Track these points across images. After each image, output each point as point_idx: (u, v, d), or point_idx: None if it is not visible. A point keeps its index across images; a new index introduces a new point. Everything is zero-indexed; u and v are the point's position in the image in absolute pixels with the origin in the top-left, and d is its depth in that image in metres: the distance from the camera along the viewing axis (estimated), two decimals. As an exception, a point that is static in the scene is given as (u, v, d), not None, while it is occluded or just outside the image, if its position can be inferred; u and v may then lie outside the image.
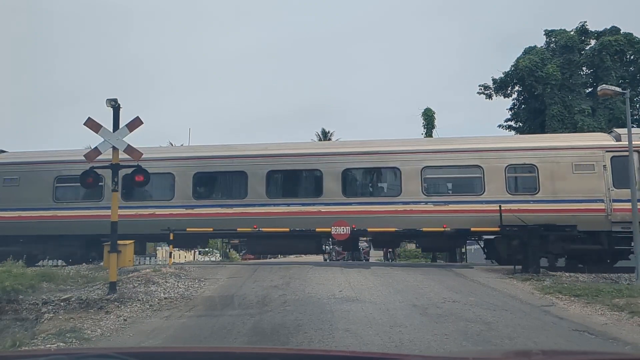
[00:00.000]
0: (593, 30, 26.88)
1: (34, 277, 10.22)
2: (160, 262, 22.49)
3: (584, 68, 26.49)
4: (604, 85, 14.40)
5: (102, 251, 16.04)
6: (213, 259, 35.84)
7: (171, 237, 14.45)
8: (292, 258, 24.93)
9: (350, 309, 8.23)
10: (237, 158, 15.56)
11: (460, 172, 14.89)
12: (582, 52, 26.35)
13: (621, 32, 25.95)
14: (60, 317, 8.31)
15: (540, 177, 14.28)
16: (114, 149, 10.27)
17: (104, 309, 8.67)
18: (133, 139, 10.51)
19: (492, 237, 14.74)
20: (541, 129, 24.88)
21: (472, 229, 14.27)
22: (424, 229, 14.31)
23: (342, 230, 14.43)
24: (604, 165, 13.90)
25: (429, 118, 29.41)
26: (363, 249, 25.93)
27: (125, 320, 8.13)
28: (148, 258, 22.02)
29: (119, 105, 10.39)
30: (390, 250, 28.22)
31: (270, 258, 27.52)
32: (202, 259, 35.07)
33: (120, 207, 15.07)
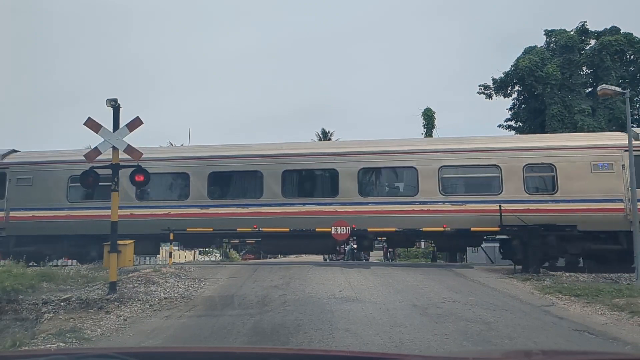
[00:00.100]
0: (593, 30, 26.89)
1: (34, 277, 10.22)
2: (160, 262, 22.45)
3: (584, 68, 26.50)
4: (604, 85, 14.38)
5: None
6: (213, 259, 35.82)
7: (171, 237, 14.47)
8: (292, 258, 24.92)
9: (350, 308, 8.24)
10: (252, 157, 15.54)
11: (477, 172, 14.84)
12: (582, 52, 26.35)
13: (621, 32, 25.96)
14: (60, 317, 8.31)
15: (559, 176, 14.20)
16: (114, 149, 10.27)
17: (104, 309, 8.67)
18: (133, 139, 10.53)
19: (509, 237, 14.54)
20: (541, 129, 24.88)
21: (490, 229, 14.23)
22: (442, 229, 14.24)
23: (342, 230, 14.43)
24: (622, 165, 13.76)
25: (429, 118, 29.42)
26: (353, 249, 25.88)
27: (125, 320, 8.13)
28: (148, 258, 21.96)
29: (119, 105, 10.39)
30: (390, 250, 28.20)
31: (270, 258, 27.51)
32: (202, 259, 35.05)
33: (135, 207, 15.35)
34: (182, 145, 27.78)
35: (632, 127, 13.23)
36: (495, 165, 14.58)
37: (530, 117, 26.77)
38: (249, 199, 15.33)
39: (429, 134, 28.69)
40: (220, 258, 34.86)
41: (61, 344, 6.68)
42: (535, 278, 11.84)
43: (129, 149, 10.25)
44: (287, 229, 14.65)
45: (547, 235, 13.64)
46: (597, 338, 6.80)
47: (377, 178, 15.65)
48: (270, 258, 27.24)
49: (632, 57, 26.24)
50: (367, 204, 14.85)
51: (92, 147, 10.91)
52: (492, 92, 27.72)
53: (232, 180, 15.97)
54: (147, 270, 12.09)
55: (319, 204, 15.03)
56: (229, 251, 32.64)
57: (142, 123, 10.40)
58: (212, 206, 15.28)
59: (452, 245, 16.34)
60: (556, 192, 14.16)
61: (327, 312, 7.96)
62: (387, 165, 15.30)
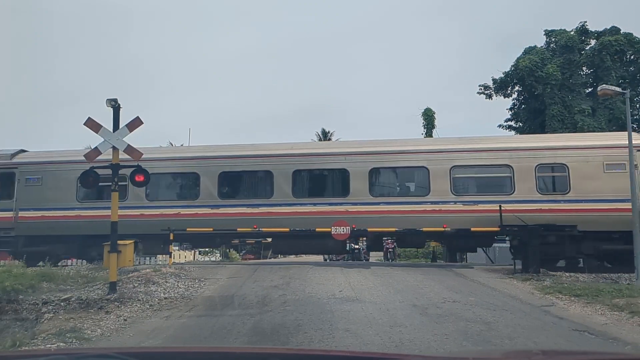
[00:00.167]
0: (593, 30, 26.90)
1: (34, 277, 10.22)
2: (160, 262, 22.45)
3: (584, 68, 26.51)
4: (604, 85, 14.37)
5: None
6: (213, 259, 35.81)
7: (171, 237, 14.46)
8: (292, 258, 24.91)
9: (350, 309, 8.23)
10: (263, 157, 15.53)
11: (489, 172, 14.80)
12: (582, 52, 26.36)
13: (621, 32, 25.97)
14: (60, 317, 8.30)
15: (572, 176, 14.16)
16: (114, 149, 10.27)
17: (104, 309, 8.67)
18: (133, 139, 10.53)
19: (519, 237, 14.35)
20: (541, 129, 24.88)
21: (490, 228, 14.13)
22: (453, 229, 14.21)
23: (342, 230, 14.43)
24: (635, 165, 13.50)
25: (429, 118, 29.43)
26: (363, 249, 25.89)
27: (125, 320, 8.12)
28: (148, 258, 21.94)
29: (119, 105, 10.39)
30: (390, 250, 28.20)
31: (271, 258, 27.50)
32: (202, 259, 35.03)
33: (145, 207, 15.50)
34: (182, 145, 27.76)
35: (633, 127, 13.19)
36: (507, 165, 14.55)
37: (530, 117, 26.78)
38: (259, 198, 15.33)
39: (429, 134, 28.69)
40: (220, 258, 34.85)
41: (61, 344, 6.68)
42: (535, 278, 11.83)
43: (129, 149, 10.24)
44: (299, 229, 14.60)
45: (561, 236, 13.63)
46: (597, 338, 6.80)
47: (388, 178, 15.58)
48: (271, 258, 27.24)
49: (632, 57, 26.24)
50: (377, 204, 14.81)
51: (92, 147, 10.92)
52: (492, 92, 27.73)
53: (242, 180, 15.94)
54: (147, 270, 12.09)
55: (330, 204, 15.01)
56: (229, 251, 32.62)
57: (142, 123, 10.40)
58: (222, 206, 15.28)
59: (463, 246, 16.21)
60: (569, 192, 14.13)
61: (327, 312, 7.96)
62: (398, 165, 15.24)
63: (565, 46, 26.26)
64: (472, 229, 14.18)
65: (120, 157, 10.34)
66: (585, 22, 26.91)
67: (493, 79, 27.58)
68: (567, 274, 12.70)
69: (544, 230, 13.49)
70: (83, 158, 14.88)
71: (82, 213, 15.39)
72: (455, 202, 14.47)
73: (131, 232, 14.31)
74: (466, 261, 21.23)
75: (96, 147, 10.45)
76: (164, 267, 13.31)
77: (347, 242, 16.71)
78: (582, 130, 22.46)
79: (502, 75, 27.21)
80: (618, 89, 13.52)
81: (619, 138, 14.50)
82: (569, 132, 21.96)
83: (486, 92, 27.92)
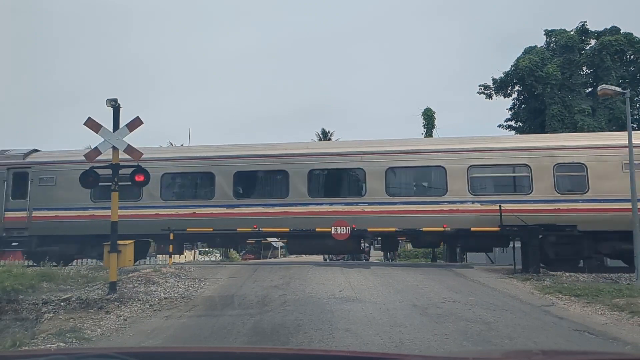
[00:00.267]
0: (593, 30, 26.87)
1: (34, 277, 10.22)
2: (160, 262, 22.45)
3: (584, 68, 26.48)
4: (604, 85, 14.35)
5: (141, 251, 16.10)
6: (213, 258, 35.83)
7: (171, 237, 14.45)
8: (292, 258, 24.92)
9: (350, 308, 8.23)
10: (278, 157, 15.49)
11: (507, 171, 14.75)
12: (582, 52, 26.34)
13: (621, 32, 25.94)
14: (60, 317, 8.30)
15: (590, 176, 14.10)
16: (114, 149, 10.27)
17: (104, 309, 8.67)
18: (133, 139, 10.53)
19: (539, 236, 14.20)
20: (541, 128, 24.87)
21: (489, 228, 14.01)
22: (472, 229, 14.14)
23: (342, 230, 14.42)
24: None
25: (429, 118, 29.41)
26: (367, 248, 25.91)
27: (125, 320, 8.12)
28: (148, 258, 21.94)
29: (119, 105, 10.39)
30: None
31: (270, 258, 27.52)
32: (202, 259, 35.05)
33: (159, 207, 15.49)
34: (182, 145, 27.75)
35: (632, 127, 13.14)
36: (525, 164, 14.50)
37: (530, 117, 26.76)
38: (275, 198, 15.30)
39: (429, 134, 28.67)
40: (220, 258, 34.85)
41: (61, 344, 6.68)
42: (535, 278, 11.84)
43: (129, 149, 10.24)
44: (316, 229, 14.55)
45: (580, 236, 13.59)
46: (597, 338, 6.80)
47: (405, 177, 15.50)
48: (271, 258, 27.25)
49: (632, 57, 26.21)
50: (394, 203, 14.77)
51: (92, 147, 10.93)
52: (492, 92, 27.70)
53: (257, 179, 15.91)
54: (147, 270, 12.09)
55: (346, 204, 14.96)
56: (229, 251, 32.64)
57: (142, 123, 10.40)
58: (237, 206, 15.25)
59: (480, 246, 16.02)
60: (587, 191, 14.08)
61: (327, 312, 7.96)
62: (415, 165, 15.15)
63: (565, 46, 26.24)
64: (489, 228, 14.03)
65: (121, 156, 10.34)
66: (585, 22, 26.90)
67: (493, 79, 27.57)
68: (567, 274, 12.70)
69: (544, 230, 13.49)
70: (104, 157, 14.90)
71: (97, 213, 15.14)
72: (473, 202, 14.43)
73: (146, 232, 14.31)
74: (466, 261, 21.23)
75: (96, 147, 10.46)
76: (164, 267, 13.31)
77: (362, 242, 16.69)
78: (582, 130, 22.44)
79: (502, 75, 27.18)
80: (618, 89, 13.51)
81: (638, 137, 14.21)
82: (568, 132, 21.92)
83: (486, 92, 27.89)
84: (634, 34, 25.68)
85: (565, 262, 13.78)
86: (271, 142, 16.56)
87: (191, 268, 13.32)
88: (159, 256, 22.31)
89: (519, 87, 27.21)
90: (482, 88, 27.95)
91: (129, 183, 10.62)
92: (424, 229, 14.43)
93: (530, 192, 14.28)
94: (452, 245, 19.27)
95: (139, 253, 15.92)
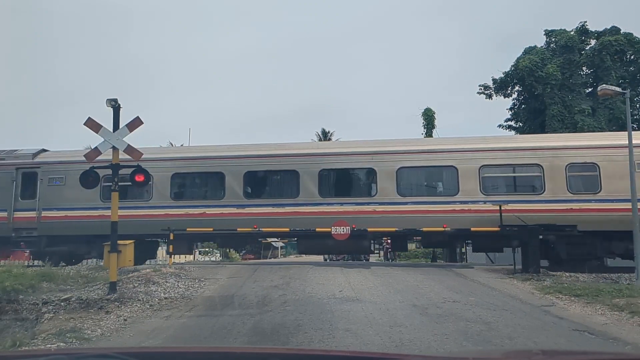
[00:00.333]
0: (593, 30, 26.87)
1: (34, 277, 10.23)
2: (160, 262, 22.46)
3: (584, 68, 26.47)
4: (604, 85, 14.35)
5: (150, 251, 16.02)
6: (213, 258, 35.82)
7: (171, 237, 14.44)
8: (291, 258, 24.92)
9: (351, 309, 8.23)
10: (288, 157, 15.46)
11: (519, 171, 14.72)
12: (582, 52, 26.33)
13: (621, 32, 25.93)
14: (60, 317, 8.30)
15: (602, 175, 14.07)
16: (114, 149, 10.27)
17: (104, 309, 8.67)
18: (133, 139, 10.53)
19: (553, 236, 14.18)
20: (541, 129, 24.86)
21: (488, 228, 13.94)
22: (483, 229, 14.06)
23: (342, 230, 14.41)
24: None
25: (429, 118, 29.40)
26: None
27: (125, 320, 8.12)
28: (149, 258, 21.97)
29: (119, 105, 10.39)
30: (390, 250, 28.20)
31: (270, 258, 27.51)
32: (202, 259, 35.05)
33: (170, 207, 15.52)
34: (182, 145, 27.75)
35: (632, 127, 13.12)
36: (537, 164, 14.47)
37: (530, 117, 26.76)
38: (285, 198, 15.27)
39: (429, 134, 28.67)
40: (220, 258, 34.85)
41: (61, 344, 6.68)
42: (535, 278, 11.84)
43: (129, 149, 10.24)
44: (326, 229, 14.47)
45: (593, 237, 13.59)
46: (597, 338, 6.79)
47: (416, 177, 15.43)
48: (270, 258, 27.25)
49: (632, 57, 26.20)
50: (405, 203, 14.72)
51: (92, 147, 10.92)
52: (492, 92, 27.69)
53: (268, 179, 15.91)
54: (147, 270, 12.10)
55: (357, 204, 14.92)
56: (229, 251, 32.65)
57: (142, 123, 10.40)
58: (247, 206, 15.23)
59: (490, 246, 15.94)
60: (600, 191, 14.05)
61: (327, 312, 7.96)
62: (426, 165, 15.10)
63: (565, 46, 26.24)
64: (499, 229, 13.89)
65: (121, 156, 10.35)
66: (585, 22, 26.88)
67: (493, 79, 27.56)
68: (567, 274, 12.70)
69: (544, 230, 13.47)
70: (105, 157, 14.89)
71: (106, 213, 15.17)
72: (484, 202, 14.38)
73: (155, 232, 14.28)
74: (466, 261, 21.24)
75: (96, 147, 10.46)
76: (164, 267, 13.31)
77: (373, 242, 16.69)
78: (581, 130, 22.44)
79: (502, 75, 27.17)
80: (618, 89, 13.51)
81: (638, 137, 14.23)
82: (568, 132, 21.91)
83: (486, 92, 27.89)
84: (634, 34, 25.68)
85: (578, 263, 13.69)
86: (281, 142, 16.56)
87: (191, 268, 13.32)
88: (159, 256, 22.31)
89: (519, 87, 27.21)
90: (482, 88, 27.95)
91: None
92: (435, 229, 14.34)
93: (542, 192, 14.25)
94: (462, 246, 19.19)
95: (148, 253, 15.94)
